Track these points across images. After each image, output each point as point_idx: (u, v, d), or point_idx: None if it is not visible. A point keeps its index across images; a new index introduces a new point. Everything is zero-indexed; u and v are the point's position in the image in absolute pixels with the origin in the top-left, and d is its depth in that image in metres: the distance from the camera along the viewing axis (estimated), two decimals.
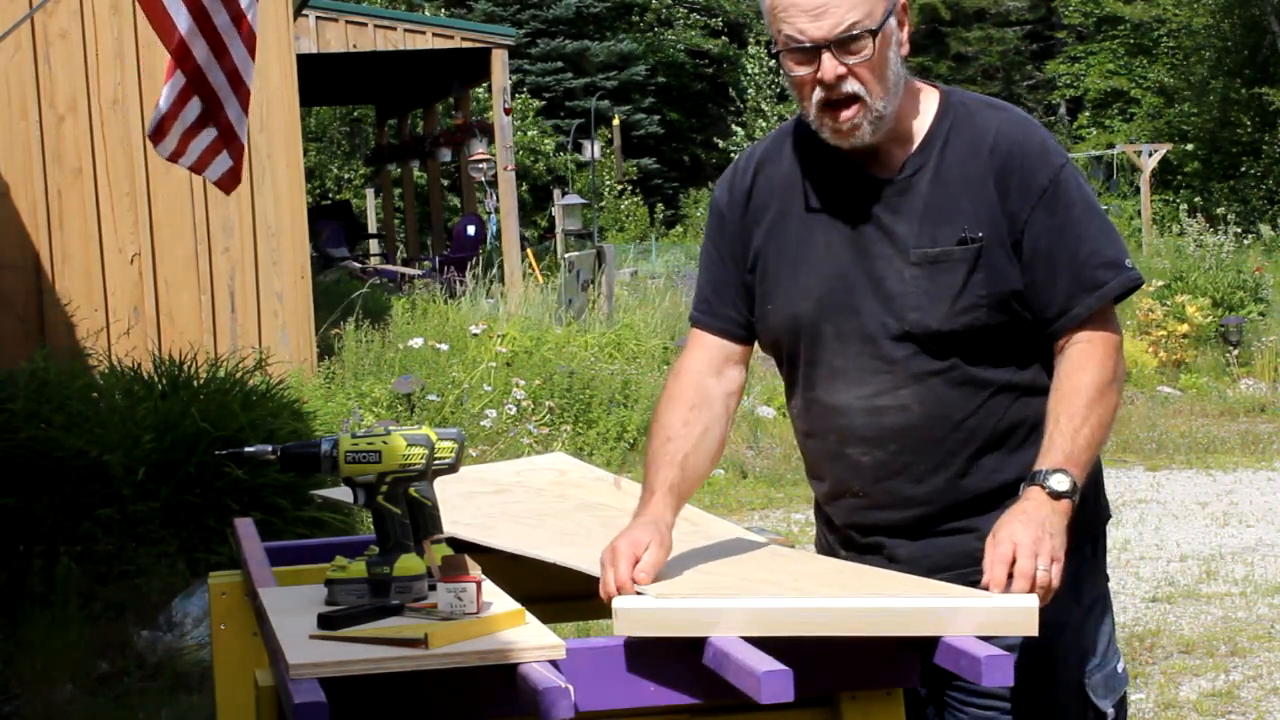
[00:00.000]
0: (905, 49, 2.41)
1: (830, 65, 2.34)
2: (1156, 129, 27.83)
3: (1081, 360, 2.38)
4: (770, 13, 2.39)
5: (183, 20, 4.84)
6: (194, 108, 4.99)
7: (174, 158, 5.09)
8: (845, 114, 2.37)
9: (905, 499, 2.46)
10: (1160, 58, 30.27)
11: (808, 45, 2.34)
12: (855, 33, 2.32)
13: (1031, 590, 2.18)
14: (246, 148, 5.26)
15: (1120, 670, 2.53)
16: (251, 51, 5.02)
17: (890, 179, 2.45)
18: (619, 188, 31.18)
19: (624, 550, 2.28)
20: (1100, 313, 2.40)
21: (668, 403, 2.53)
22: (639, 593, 2.24)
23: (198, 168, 5.14)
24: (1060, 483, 2.27)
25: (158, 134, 5.02)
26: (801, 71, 2.37)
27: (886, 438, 2.45)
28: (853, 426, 2.47)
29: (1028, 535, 2.20)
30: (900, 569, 2.45)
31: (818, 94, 2.37)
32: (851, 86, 2.35)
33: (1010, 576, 2.18)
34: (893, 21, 2.37)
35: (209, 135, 5.05)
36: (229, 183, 5.23)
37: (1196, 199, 24.27)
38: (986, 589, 2.19)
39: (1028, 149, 2.43)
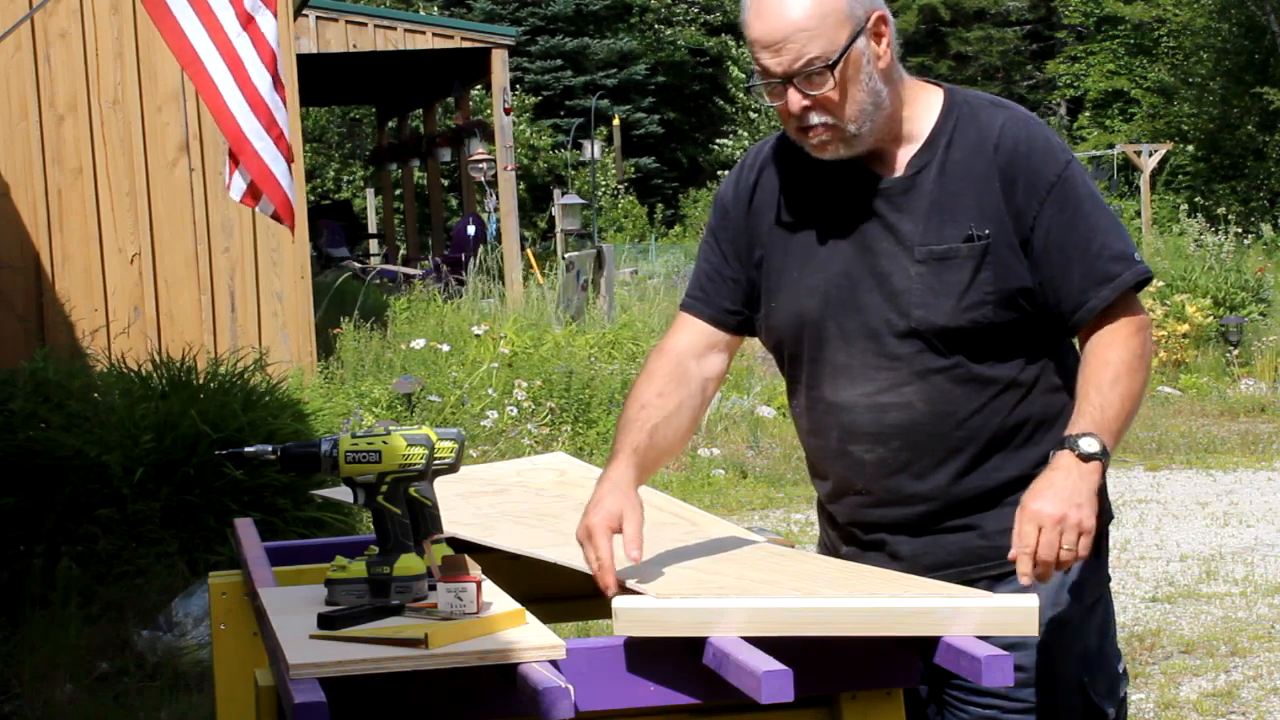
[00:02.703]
0: (884, 61, 2.42)
1: (794, 98, 2.38)
2: (1156, 129, 27.82)
3: (1107, 340, 2.40)
4: (748, 44, 2.44)
5: (228, 86, 4.83)
6: (243, 172, 5.01)
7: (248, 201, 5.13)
8: (815, 135, 2.42)
9: (908, 496, 2.46)
10: (1160, 58, 30.26)
11: (774, 80, 2.38)
12: (814, 68, 2.35)
13: (1058, 568, 2.20)
14: (289, 194, 5.24)
15: (1121, 670, 2.53)
16: (281, 90, 5.03)
17: (895, 177, 2.46)
18: (617, 188, 31.16)
19: (599, 526, 2.29)
20: (1119, 301, 2.41)
21: (646, 376, 2.55)
22: (634, 591, 2.23)
23: (262, 207, 5.16)
24: (1090, 445, 2.27)
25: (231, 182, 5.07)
26: (774, 102, 2.42)
27: (889, 435, 2.45)
28: (856, 423, 2.47)
29: (1052, 509, 2.21)
30: (902, 566, 2.45)
31: (792, 121, 2.42)
32: (817, 118, 2.39)
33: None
34: (861, 42, 2.37)
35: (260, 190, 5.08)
36: (289, 225, 5.29)
37: (1197, 199, 24.26)
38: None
39: (1033, 146, 2.44)
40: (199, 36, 4.83)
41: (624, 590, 2.25)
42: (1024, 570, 2.22)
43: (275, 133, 5.05)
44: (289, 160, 5.14)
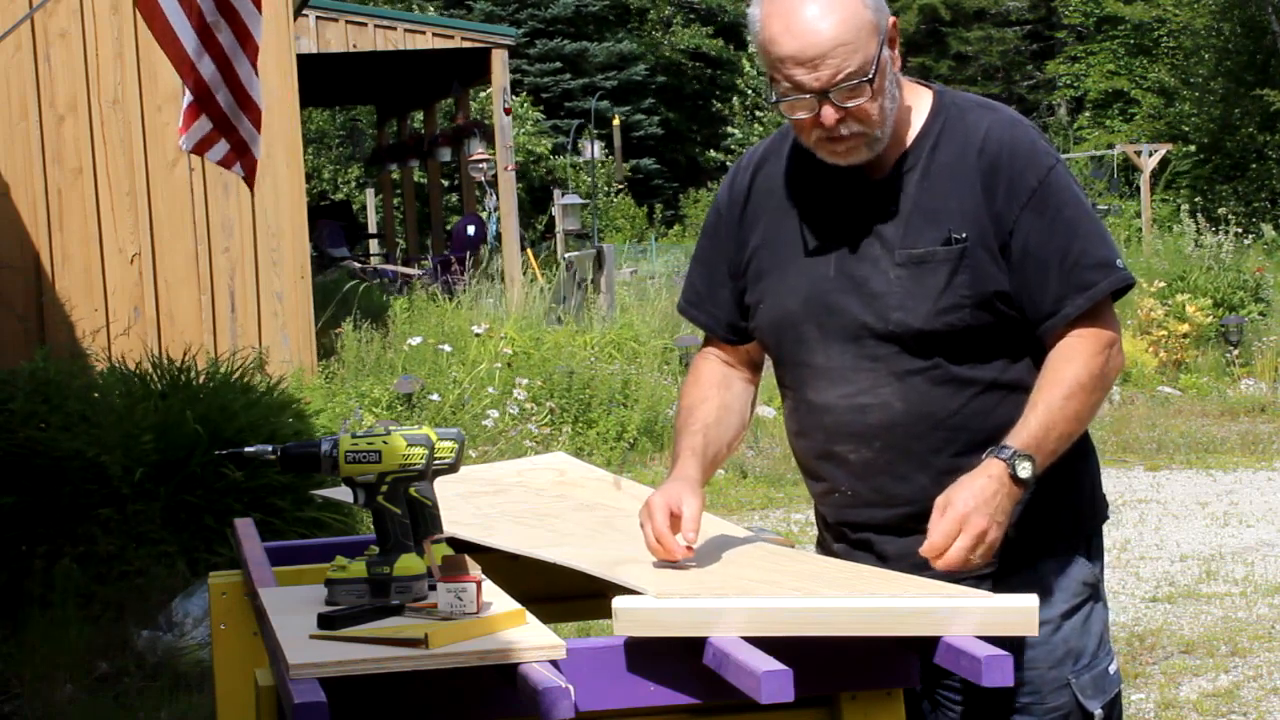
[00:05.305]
0: (897, 64, 2.41)
1: (830, 112, 2.35)
2: (1157, 129, 27.81)
3: (1070, 353, 2.39)
4: (765, 57, 2.39)
5: (189, 40, 4.85)
6: (204, 124, 5.03)
7: (199, 150, 5.14)
8: (845, 145, 2.39)
9: (890, 497, 2.47)
10: (1160, 58, 30.25)
11: (805, 95, 2.34)
12: (853, 82, 2.33)
13: (958, 568, 2.24)
14: (259, 161, 5.27)
15: (1112, 671, 2.52)
16: (256, 69, 5.06)
17: (880, 179, 2.46)
18: (617, 188, 31.17)
19: (658, 503, 2.38)
20: (1093, 311, 2.40)
21: (693, 380, 2.65)
22: (689, 547, 2.36)
23: (226, 162, 5.19)
24: (1024, 471, 2.29)
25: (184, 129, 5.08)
26: (801, 115, 2.38)
27: (871, 435, 2.46)
28: (838, 424, 2.48)
29: (979, 520, 2.25)
30: (890, 566, 2.46)
31: (817, 132, 2.39)
32: (848, 128, 2.37)
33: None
34: (886, 52, 2.36)
35: (222, 147, 5.09)
36: (249, 182, 5.32)
37: (1197, 199, 24.25)
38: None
39: (1017, 149, 2.43)
40: (186, 33, 4.85)
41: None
42: (927, 553, 2.26)
43: (251, 111, 5.09)
44: (259, 130, 5.18)
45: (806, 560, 2.55)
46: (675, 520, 2.37)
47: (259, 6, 5.04)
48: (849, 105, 2.34)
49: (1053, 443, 2.32)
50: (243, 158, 5.15)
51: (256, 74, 5.08)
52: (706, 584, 2.28)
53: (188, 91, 5.01)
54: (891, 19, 2.38)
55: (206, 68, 4.91)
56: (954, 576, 2.30)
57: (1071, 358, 2.38)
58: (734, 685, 2.00)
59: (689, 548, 2.37)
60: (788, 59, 2.33)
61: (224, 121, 5.03)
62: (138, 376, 6.95)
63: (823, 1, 2.31)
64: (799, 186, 2.52)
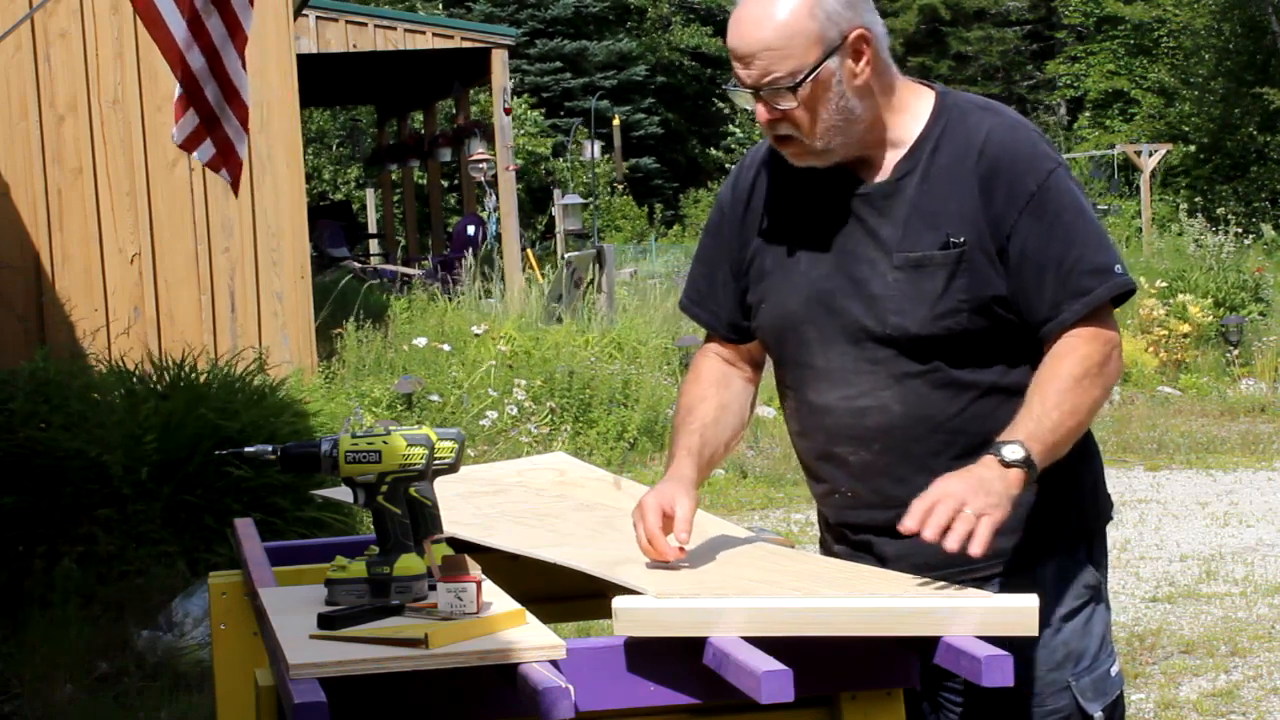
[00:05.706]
0: (861, 79, 2.40)
1: (761, 110, 2.41)
2: (1157, 129, 27.82)
3: (1065, 351, 2.38)
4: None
5: (179, 31, 4.85)
6: (191, 118, 5.02)
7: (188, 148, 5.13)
8: (786, 149, 2.45)
9: (889, 499, 2.46)
10: (1160, 58, 30.27)
11: (744, 88, 2.40)
12: (778, 86, 2.36)
13: (942, 536, 2.17)
14: (246, 161, 5.28)
15: (1113, 674, 2.52)
16: (244, 62, 5.04)
17: (878, 182, 2.46)
18: (614, 187, 31.17)
19: (651, 504, 2.38)
20: (1090, 317, 2.39)
21: (693, 378, 2.65)
22: (681, 548, 2.36)
23: (213, 165, 5.18)
24: (1013, 452, 2.25)
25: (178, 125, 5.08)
26: (742, 104, 2.45)
27: (870, 437, 2.46)
28: (838, 426, 2.48)
29: (958, 487, 2.20)
30: (891, 567, 2.46)
31: (765, 128, 2.45)
32: (783, 130, 2.41)
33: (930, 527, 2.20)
34: (834, 63, 2.36)
35: (209, 148, 5.08)
36: (234, 187, 5.30)
37: (1197, 199, 24.26)
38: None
39: (1017, 153, 2.42)
40: (177, 23, 4.85)
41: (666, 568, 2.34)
42: (909, 520, 2.20)
43: (239, 108, 5.08)
44: (246, 129, 5.18)
45: (806, 560, 2.56)
46: (668, 521, 2.37)
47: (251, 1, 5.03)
48: (779, 108, 2.38)
49: (1049, 433, 2.29)
50: (229, 160, 5.13)
51: (244, 68, 5.07)
52: (706, 584, 2.28)
53: (178, 83, 5.01)
54: (858, 32, 2.37)
55: (196, 60, 4.90)
56: (956, 575, 2.29)
57: (1065, 354, 2.37)
58: (734, 685, 2.00)
59: (681, 549, 2.37)
60: (731, 50, 2.41)
61: (210, 117, 5.03)
62: (138, 376, 6.95)
63: (772, 3, 2.35)
64: (802, 186, 2.52)
